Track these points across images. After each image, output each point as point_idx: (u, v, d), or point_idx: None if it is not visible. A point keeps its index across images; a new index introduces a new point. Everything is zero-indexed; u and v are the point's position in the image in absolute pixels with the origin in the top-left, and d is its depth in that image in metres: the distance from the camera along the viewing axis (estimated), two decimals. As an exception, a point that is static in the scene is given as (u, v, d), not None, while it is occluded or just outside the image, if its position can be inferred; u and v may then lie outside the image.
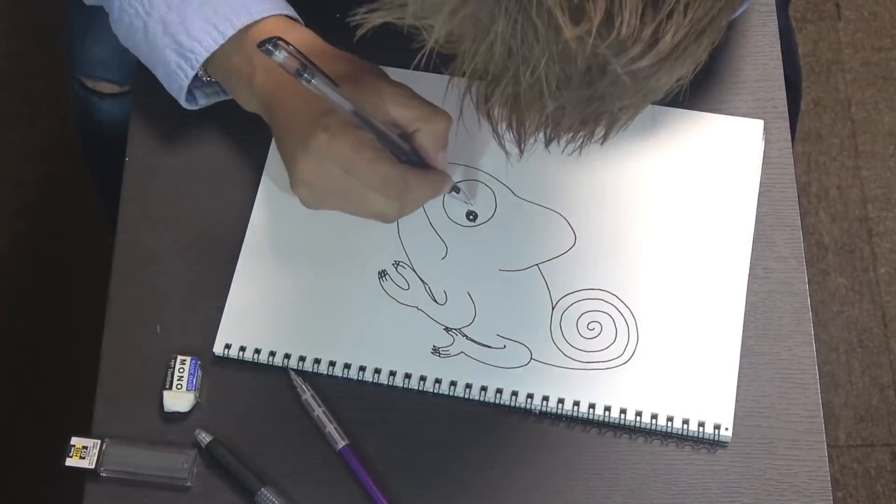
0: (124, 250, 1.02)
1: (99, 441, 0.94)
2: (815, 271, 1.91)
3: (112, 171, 1.11)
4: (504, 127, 0.78)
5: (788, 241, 1.03)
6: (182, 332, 0.99)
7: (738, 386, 0.97)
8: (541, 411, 0.96)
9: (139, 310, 1.00)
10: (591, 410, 0.96)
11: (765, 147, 1.05)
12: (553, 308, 1.00)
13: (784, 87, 1.08)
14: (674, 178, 1.05)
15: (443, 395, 0.97)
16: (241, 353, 0.98)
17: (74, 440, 0.94)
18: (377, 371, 0.97)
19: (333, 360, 0.98)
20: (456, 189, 1.02)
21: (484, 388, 0.97)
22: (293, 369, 0.98)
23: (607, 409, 0.96)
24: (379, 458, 0.95)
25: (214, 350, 0.98)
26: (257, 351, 0.98)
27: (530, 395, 0.96)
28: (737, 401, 0.96)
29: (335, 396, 0.97)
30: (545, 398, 0.96)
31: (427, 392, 0.97)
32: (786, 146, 1.06)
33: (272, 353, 0.98)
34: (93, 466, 0.94)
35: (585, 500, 0.94)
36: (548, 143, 0.79)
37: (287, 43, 0.85)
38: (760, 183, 1.04)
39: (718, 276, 1.01)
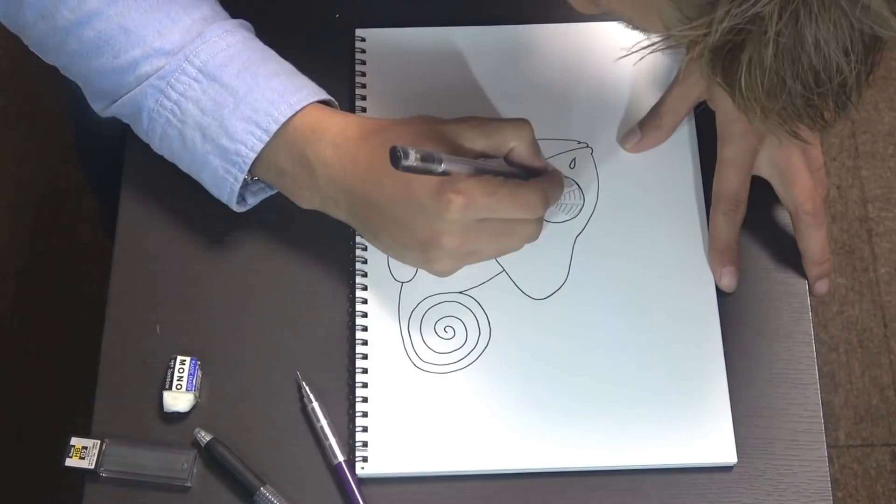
0: (124, 250, 1.02)
1: (99, 441, 0.94)
2: (815, 271, 1.91)
3: (105, 166, 1.11)
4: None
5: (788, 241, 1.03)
6: (182, 332, 0.99)
7: (737, 385, 0.97)
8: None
9: (139, 310, 1.00)
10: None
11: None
12: None
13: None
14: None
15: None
16: None
17: (74, 440, 0.94)
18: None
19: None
20: (569, 182, 1.02)
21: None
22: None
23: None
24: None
25: None
26: None
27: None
28: (736, 401, 0.96)
29: (341, 404, 0.97)
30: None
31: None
32: (786, 146, 1.06)
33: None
34: (92, 466, 0.94)
35: (585, 499, 0.94)
36: None
37: (415, 150, 0.84)
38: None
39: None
